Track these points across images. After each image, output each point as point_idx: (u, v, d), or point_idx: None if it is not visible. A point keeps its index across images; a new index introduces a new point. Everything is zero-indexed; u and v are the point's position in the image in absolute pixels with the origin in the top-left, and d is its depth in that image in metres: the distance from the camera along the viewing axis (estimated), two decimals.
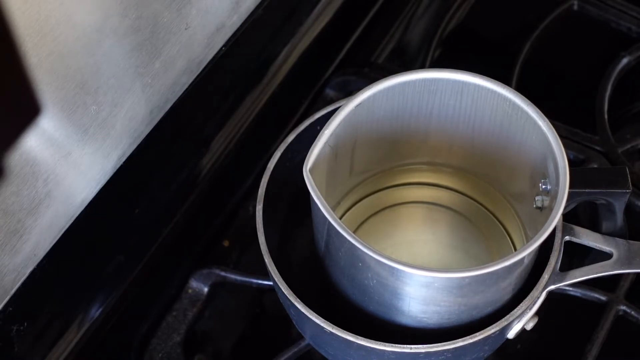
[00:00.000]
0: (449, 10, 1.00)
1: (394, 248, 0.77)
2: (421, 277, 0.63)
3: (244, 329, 0.84)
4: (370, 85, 0.68)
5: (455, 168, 0.78)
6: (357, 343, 0.65)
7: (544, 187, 0.67)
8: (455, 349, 0.65)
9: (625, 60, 0.93)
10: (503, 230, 0.78)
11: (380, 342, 0.65)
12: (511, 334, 0.70)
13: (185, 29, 0.72)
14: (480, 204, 0.79)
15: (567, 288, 0.78)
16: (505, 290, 0.67)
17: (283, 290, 0.67)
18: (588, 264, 0.70)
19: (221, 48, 0.78)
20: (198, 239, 0.84)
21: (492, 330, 0.66)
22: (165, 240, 0.79)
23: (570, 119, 0.89)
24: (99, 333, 0.74)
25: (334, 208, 0.72)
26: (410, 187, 0.80)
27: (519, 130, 0.68)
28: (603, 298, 0.79)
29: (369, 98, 0.67)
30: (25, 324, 0.67)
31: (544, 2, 0.98)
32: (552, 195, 0.65)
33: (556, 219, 0.62)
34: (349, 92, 0.91)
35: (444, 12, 0.99)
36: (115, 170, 0.71)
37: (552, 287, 0.69)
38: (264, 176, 0.71)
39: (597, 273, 0.70)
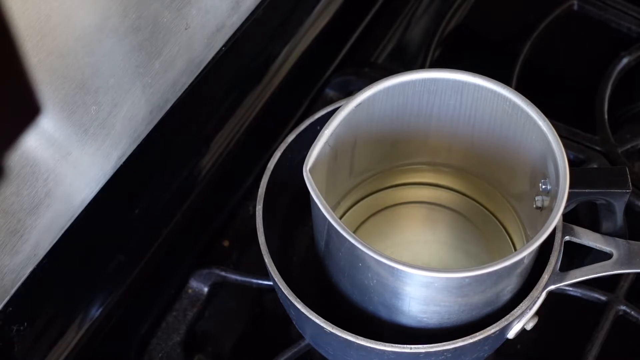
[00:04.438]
0: (449, 10, 1.00)
1: (394, 248, 0.77)
2: (421, 277, 0.63)
3: (244, 329, 0.84)
4: (370, 85, 0.68)
5: (455, 168, 0.78)
6: (357, 343, 0.65)
7: (544, 187, 0.67)
8: (455, 349, 0.65)
9: (625, 60, 0.93)
10: (503, 230, 0.78)
11: (380, 342, 0.65)
12: (511, 334, 0.70)
13: (185, 29, 0.72)
14: (480, 204, 0.79)
15: (567, 288, 0.78)
16: (505, 290, 0.67)
17: (283, 290, 0.67)
18: (588, 264, 0.70)
19: (221, 48, 0.78)
20: (198, 239, 0.85)
21: (492, 330, 0.66)
22: (165, 240, 0.79)
23: (570, 119, 0.89)
24: (99, 333, 0.74)
25: (334, 208, 0.72)
26: (410, 187, 0.80)
27: (519, 130, 0.68)
28: (603, 298, 0.79)
29: (369, 98, 0.67)
30: (25, 324, 0.67)
31: (544, 2, 0.98)
32: (552, 195, 0.65)
33: (556, 219, 0.62)
34: (349, 92, 0.91)
35: (444, 12, 0.99)
36: (115, 170, 0.71)
37: (552, 287, 0.69)
38: (264, 176, 0.71)
39: (597, 273, 0.70)
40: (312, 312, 0.66)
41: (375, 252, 0.61)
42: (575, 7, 0.98)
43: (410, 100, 0.70)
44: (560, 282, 0.69)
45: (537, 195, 0.69)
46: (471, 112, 0.70)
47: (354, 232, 0.71)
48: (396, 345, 0.65)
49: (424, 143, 0.75)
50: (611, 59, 0.93)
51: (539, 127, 0.66)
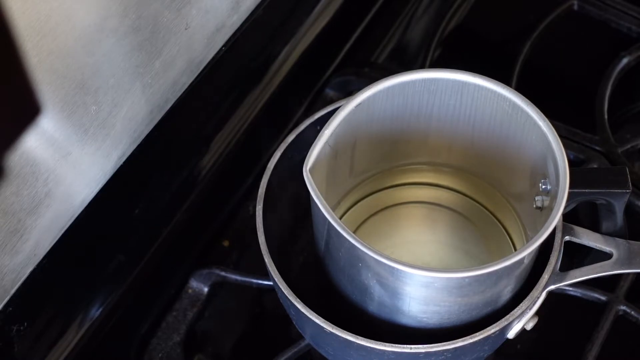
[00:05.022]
0: (449, 10, 1.00)
1: (394, 248, 0.77)
2: (421, 277, 0.63)
3: (244, 329, 0.84)
4: (370, 85, 0.68)
5: (455, 168, 0.78)
6: (357, 343, 0.65)
7: (544, 187, 0.67)
8: (455, 349, 0.65)
9: (625, 60, 0.93)
10: (503, 230, 0.78)
11: (380, 342, 0.65)
12: (511, 334, 0.70)
13: (185, 29, 0.72)
14: (480, 204, 0.79)
15: (567, 288, 0.78)
16: (505, 290, 0.67)
17: (283, 290, 0.67)
18: (588, 264, 0.70)
19: (221, 48, 0.78)
20: (198, 239, 0.84)
21: (492, 330, 0.66)
22: (165, 240, 0.79)
23: (570, 119, 0.89)
24: (99, 333, 0.74)
25: (334, 208, 0.72)
26: (410, 187, 0.80)
27: (519, 130, 0.68)
28: (603, 298, 0.79)
29: (369, 98, 0.67)
30: (25, 324, 0.67)
31: (544, 2, 0.98)
32: (552, 195, 0.65)
33: (556, 219, 0.62)
34: (349, 92, 0.91)
35: (444, 12, 0.99)
36: (115, 170, 0.71)
37: (552, 287, 0.69)
38: (264, 176, 0.71)
39: (597, 273, 0.70)
40: (312, 312, 0.66)
41: (375, 252, 0.61)
42: (575, 7, 0.98)
43: (410, 100, 0.70)
44: (560, 282, 0.69)
45: (537, 195, 0.69)
46: (471, 112, 0.70)
47: (354, 232, 0.71)
48: (396, 345, 0.65)
49: (424, 143, 0.75)
50: (611, 59, 0.93)
51: (539, 127, 0.66)
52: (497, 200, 0.77)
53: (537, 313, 0.70)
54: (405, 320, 0.68)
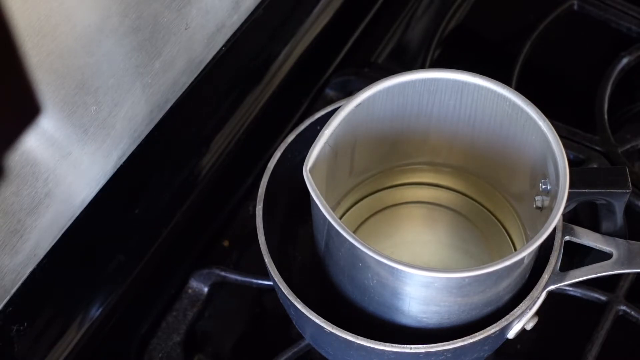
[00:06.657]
0: (449, 10, 1.00)
1: (394, 248, 0.77)
2: (421, 277, 0.63)
3: (244, 329, 0.84)
4: (370, 85, 0.68)
5: (455, 168, 0.78)
6: (357, 343, 0.65)
7: (544, 187, 0.67)
8: (455, 349, 0.65)
9: (625, 60, 0.93)
10: (503, 230, 0.78)
11: (380, 342, 0.65)
12: (511, 334, 0.70)
13: (185, 29, 0.72)
14: (480, 204, 0.79)
15: (567, 288, 0.78)
16: (505, 290, 0.67)
17: (283, 290, 0.67)
18: (588, 264, 0.70)
19: (221, 48, 0.78)
20: (198, 239, 0.85)
21: (492, 330, 0.66)
22: (165, 240, 0.79)
23: (570, 119, 0.89)
24: (99, 333, 0.74)
25: (334, 208, 0.72)
26: (410, 187, 0.80)
27: (519, 130, 0.68)
28: (603, 298, 0.79)
29: (369, 98, 0.67)
30: (25, 324, 0.67)
31: (544, 2, 0.98)
32: (552, 195, 0.65)
33: (556, 219, 0.62)
34: (349, 92, 0.91)
35: (444, 12, 0.99)
36: (115, 170, 0.71)
37: (552, 287, 0.69)
38: (264, 176, 0.71)
39: (597, 273, 0.70)
40: (312, 312, 0.66)
41: (375, 252, 0.61)
42: (575, 7, 0.98)
43: (410, 100, 0.70)
44: (560, 282, 0.69)
45: (537, 195, 0.69)
46: (471, 112, 0.70)
47: (354, 232, 0.71)
48: (396, 345, 0.65)
49: (424, 143, 0.75)
50: (611, 59, 0.93)
51: (539, 127, 0.66)
52: (497, 200, 0.77)
53: (537, 313, 0.70)
54: (405, 320, 0.68)
